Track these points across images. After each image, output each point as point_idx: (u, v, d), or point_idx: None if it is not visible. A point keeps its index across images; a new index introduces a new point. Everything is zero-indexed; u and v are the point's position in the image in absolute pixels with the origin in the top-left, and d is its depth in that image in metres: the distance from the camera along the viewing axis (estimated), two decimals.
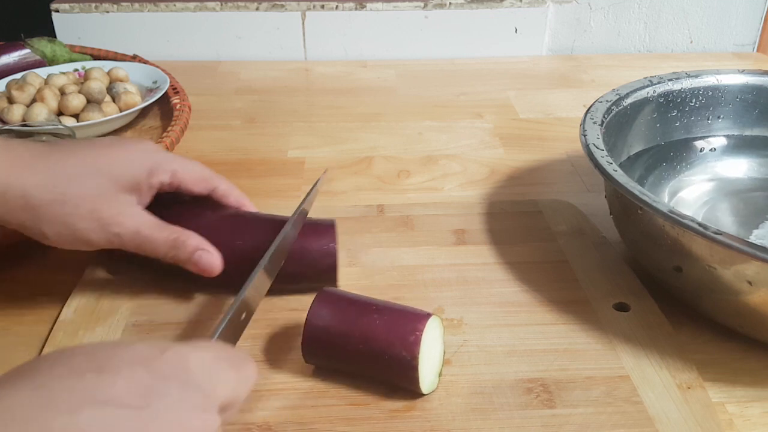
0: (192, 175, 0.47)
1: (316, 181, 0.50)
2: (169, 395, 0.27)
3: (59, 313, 0.47)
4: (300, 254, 0.47)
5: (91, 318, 0.47)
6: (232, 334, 0.38)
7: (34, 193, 0.41)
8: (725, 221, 0.56)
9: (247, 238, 0.47)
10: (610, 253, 0.54)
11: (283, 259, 0.45)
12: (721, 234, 0.39)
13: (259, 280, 0.41)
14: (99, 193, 0.42)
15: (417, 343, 0.39)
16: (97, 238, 0.43)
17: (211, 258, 0.45)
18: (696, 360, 0.44)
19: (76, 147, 0.44)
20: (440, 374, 0.42)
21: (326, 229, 0.48)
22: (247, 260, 0.44)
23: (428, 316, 0.40)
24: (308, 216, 0.49)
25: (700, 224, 0.40)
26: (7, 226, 0.42)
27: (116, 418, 0.25)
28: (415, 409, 0.40)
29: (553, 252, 0.54)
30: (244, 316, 0.39)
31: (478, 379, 0.42)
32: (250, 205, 0.50)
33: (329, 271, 0.48)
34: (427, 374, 0.40)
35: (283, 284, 0.46)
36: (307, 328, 0.41)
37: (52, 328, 0.46)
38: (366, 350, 0.39)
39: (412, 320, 0.40)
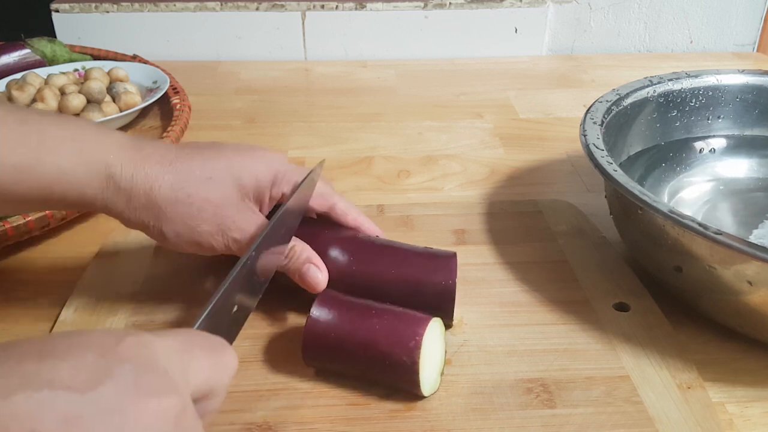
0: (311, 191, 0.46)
1: (311, 171, 0.47)
2: (122, 378, 0.24)
3: (59, 313, 0.47)
4: (414, 287, 0.44)
5: (91, 318, 0.47)
6: (221, 326, 0.34)
7: (161, 193, 0.41)
8: (725, 221, 0.56)
9: (362, 265, 0.45)
10: (610, 253, 0.54)
11: (284, 246, 0.44)
12: (721, 234, 0.39)
13: (253, 266, 0.39)
14: (224, 198, 0.42)
15: (417, 348, 0.39)
16: (216, 243, 0.43)
17: (318, 274, 0.44)
18: (696, 360, 0.44)
19: (204, 150, 0.44)
20: (442, 373, 0.42)
21: (445, 263, 0.45)
22: (359, 286, 0.44)
23: (428, 319, 0.40)
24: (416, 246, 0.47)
25: (700, 224, 0.40)
26: (126, 224, 0.42)
27: (55, 401, 0.22)
28: (415, 409, 0.40)
29: (553, 252, 0.54)
30: (236, 308, 0.36)
31: (478, 379, 0.42)
32: (368, 225, 0.48)
33: (444, 308, 0.44)
34: (428, 376, 0.40)
35: None
36: (307, 333, 0.41)
37: (52, 328, 0.46)
38: (366, 356, 0.39)
39: (412, 324, 0.40)
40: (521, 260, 0.53)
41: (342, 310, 0.41)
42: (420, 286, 0.44)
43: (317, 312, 0.41)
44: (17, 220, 0.52)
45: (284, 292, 0.49)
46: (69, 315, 0.47)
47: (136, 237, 0.55)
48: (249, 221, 0.43)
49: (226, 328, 0.35)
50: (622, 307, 0.48)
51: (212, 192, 0.42)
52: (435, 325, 0.41)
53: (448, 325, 0.46)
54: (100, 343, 0.25)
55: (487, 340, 0.45)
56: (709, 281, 0.42)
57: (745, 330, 0.45)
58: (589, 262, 0.53)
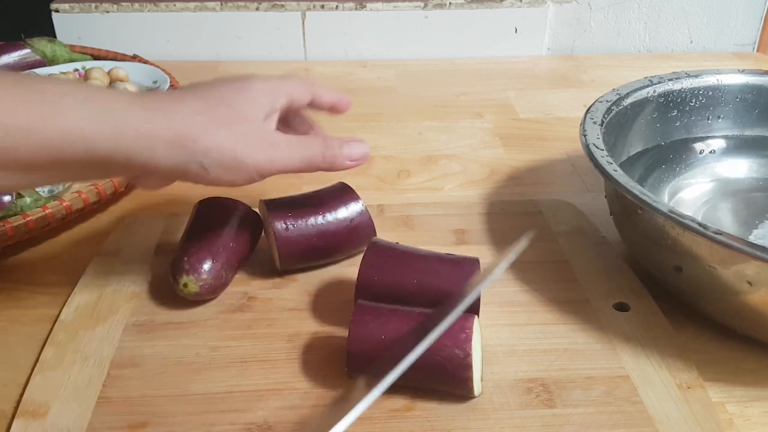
0: (298, 89, 0.47)
1: (516, 246, 0.46)
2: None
3: (59, 313, 0.47)
4: (438, 297, 0.43)
5: (91, 318, 0.47)
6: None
7: (186, 121, 0.39)
8: (725, 221, 0.56)
9: (384, 275, 0.44)
10: (610, 253, 0.54)
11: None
12: (721, 234, 0.39)
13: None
14: (250, 114, 0.42)
15: (468, 340, 0.38)
16: (257, 161, 0.42)
17: (362, 146, 0.47)
18: (696, 360, 0.44)
19: (212, 83, 0.44)
20: (482, 379, 0.42)
21: (470, 268, 0.45)
22: (381, 296, 0.43)
23: (472, 315, 0.40)
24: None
25: (700, 224, 0.40)
26: (155, 177, 0.42)
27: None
28: (415, 409, 0.40)
29: (553, 252, 0.54)
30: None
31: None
32: (344, 101, 0.51)
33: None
34: (477, 375, 0.40)
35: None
36: (351, 341, 0.40)
37: (52, 328, 0.46)
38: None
39: (459, 320, 0.39)
40: (521, 260, 0.53)
41: (382, 315, 0.41)
42: (444, 295, 0.43)
43: (359, 317, 0.40)
44: (17, 220, 0.52)
45: (283, 292, 0.49)
46: (69, 314, 0.47)
47: (137, 237, 0.55)
48: (277, 132, 0.44)
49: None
50: (622, 307, 0.48)
51: (237, 110, 0.42)
52: (477, 322, 0.40)
53: None
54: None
55: (487, 340, 0.45)
56: (709, 281, 0.42)
57: (744, 330, 0.45)
58: (589, 262, 0.53)
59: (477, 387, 0.40)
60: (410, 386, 0.41)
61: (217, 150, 0.40)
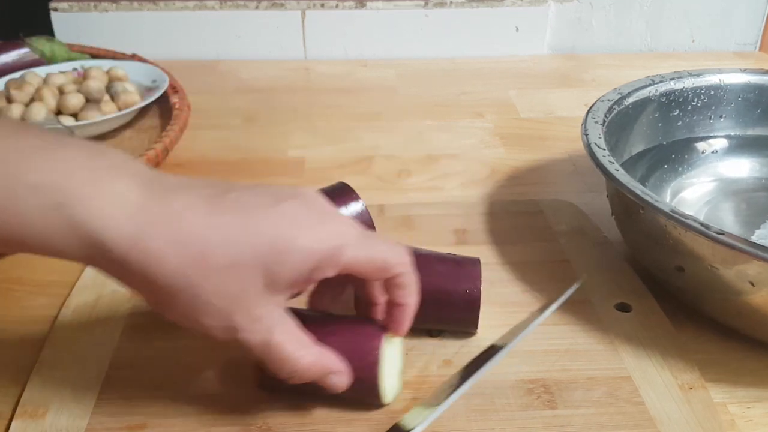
0: (367, 266, 0.36)
1: (566, 293, 0.47)
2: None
3: (58, 313, 0.47)
4: (438, 296, 0.43)
5: (90, 318, 0.46)
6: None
7: (159, 278, 0.32)
8: (727, 221, 0.56)
9: None
10: (612, 253, 0.54)
11: None
12: (723, 234, 0.38)
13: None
14: (241, 294, 0.33)
15: (376, 363, 0.37)
16: (217, 336, 0.34)
17: (340, 380, 0.37)
18: (698, 360, 0.44)
19: (236, 215, 0.33)
20: (402, 372, 0.41)
21: (471, 267, 0.44)
22: None
23: (382, 333, 0.38)
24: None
25: (702, 224, 0.39)
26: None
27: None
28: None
29: (554, 252, 0.54)
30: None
31: (478, 380, 0.42)
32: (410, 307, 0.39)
33: (470, 316, 0.44)
34: (388, 383, 0.39)
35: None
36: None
37: (51, 328, 0.46)
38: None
39: (368, 338, 0.38)
40: (522, 260, 0.53)
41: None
42: (445, 294, 0.43)
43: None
44: None
45: None
46: (67, 315, 0.47)
47: None
48: (266, 319, 0.34)
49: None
50: (623, 308, 0.48)
51: (228, 284, 0.32)
52: (401, 342, 0.40)
53: (472, 333, 0.45)
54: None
55: (488, 340, 0.45)
56: (710, 281, 0.42)
57: (746, 330, 0.45)
58: (591, 262, 0.53)
59: (386, 394, 0.39)
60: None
61: (178, 313, 0.34)
